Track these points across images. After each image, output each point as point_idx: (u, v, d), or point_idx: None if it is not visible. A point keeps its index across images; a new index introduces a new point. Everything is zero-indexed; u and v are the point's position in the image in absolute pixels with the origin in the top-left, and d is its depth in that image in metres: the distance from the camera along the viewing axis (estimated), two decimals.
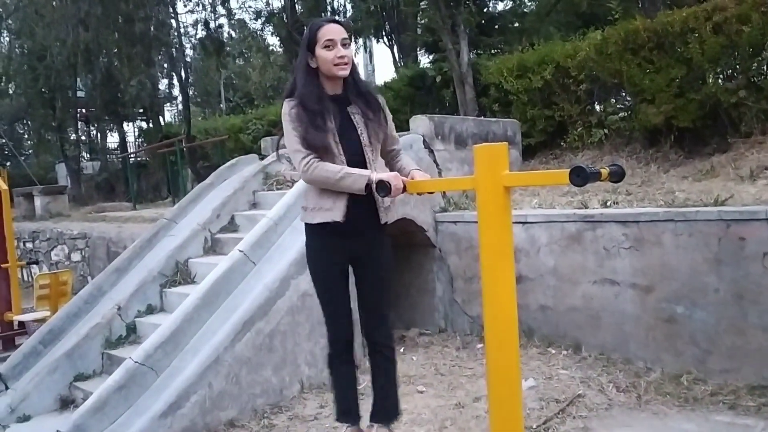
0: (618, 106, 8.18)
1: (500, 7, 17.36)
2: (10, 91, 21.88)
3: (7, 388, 5.32)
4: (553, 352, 5.17)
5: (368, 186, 2.68)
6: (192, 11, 21.88)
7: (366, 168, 2.79)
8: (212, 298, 4.98)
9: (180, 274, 5.91)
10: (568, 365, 4.88)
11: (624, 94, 8.01)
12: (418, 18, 15.73)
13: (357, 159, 2.82)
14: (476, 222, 2.40)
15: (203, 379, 4.30)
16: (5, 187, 7.42)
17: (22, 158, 23.34)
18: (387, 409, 3.16)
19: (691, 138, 6.99)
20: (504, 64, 9.04)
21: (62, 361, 5.17)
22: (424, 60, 15.91)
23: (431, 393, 4.64)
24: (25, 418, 4.88)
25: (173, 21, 15.70)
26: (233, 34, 17.52)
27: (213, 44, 15.18)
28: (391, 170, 2.93)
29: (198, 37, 16.32)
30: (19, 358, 5.53)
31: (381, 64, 56.10)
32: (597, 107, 8.28)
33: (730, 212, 4.32)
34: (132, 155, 19.62)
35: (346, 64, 2.78)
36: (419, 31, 16.12)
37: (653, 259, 4.65)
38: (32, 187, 14.32)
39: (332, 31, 2.75)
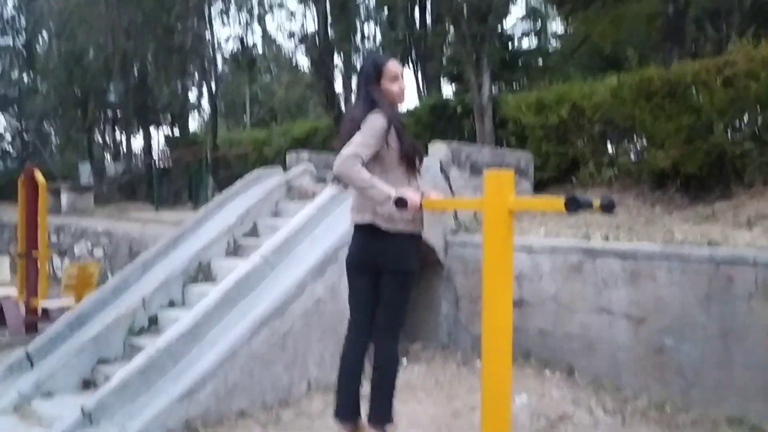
0: (629, 148, 8.51)
1: (525, 44, 17.84)
2: (41, 89, 22.54)
3: (32, 366, 5.69)
4: (548, 374, 5.44)
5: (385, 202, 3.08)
6: (224, 24, 22.66)
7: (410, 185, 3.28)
8: (232, 297, 5.34)
9: (202, 273, 6.28)
10: (561, 387, 5.15)
11: (635, 137, 8.34)
12: (444, 49, 16.21)
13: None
14: None
15: (220, 370, 4.63)
16: (43, 180, 7.87)
17: (47, 154, 24.01)
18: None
19: (696, 184, 7.30)
20: (523, 99, 9.44)
21: (88, 345, 5.52)
22: (447, 89, 16.38)
23: (430, 401, 4.93)
24: (50, 395, 5.21)
25: (208, 34, 16.31)
26: (265, 52, 18.11)
27: (245, 60, 15.73)
28: None
29: (231, 52, 16.90)
30: (45, 340, 5.90)
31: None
32: (609, 148, 8.61)
33: (721, 254, 4.63)
34: (157, 160, 20.13)
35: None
36: (444, 61, 16.60)
37: (647, 293, 4.95)
38: (60, 183, 14.85)
39: (396, 67, 3.33)
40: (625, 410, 4.68)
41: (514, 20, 19.11)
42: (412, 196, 3.02)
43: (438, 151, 6.77)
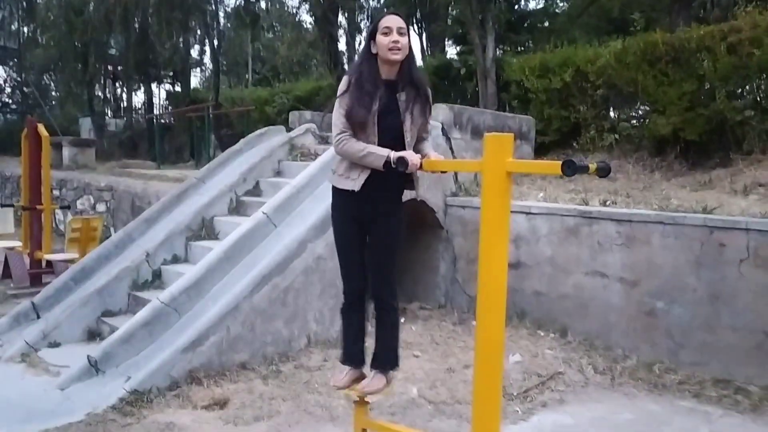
0: (631, 114, 8.52)
1: (532, 5, 17.59)
2: (41, 41, 22.23)
3: (38, 317, 5.83)
4: (542, 334, 5.59)
5: (386, 164, 3.10)
6: None
7: (404, 150, 3.16)
8: (235, 253, 5.44)
9: (205, 229, 6.39)
10: (554, 347, 5.30)
11: (637, 103, 8.34)
12: (450, 9, 16.02)
13: (395, 141, 3.18)
14: None
15: (222, 322, 4.76)
16: (46, 134, 7.90)
17: (47, 108, 23.86)
18: (384, 358, 3.56)
19: (696, 150, 7.35)
20: (527, 62, 9.39)
21: (93, 297, 5.66)
22: (452, 51, 16.22)
23: (426, 358, 5.07)
24: (56, 345, 5.37)
25: None
26: (269, 8, 17.86)
27: (249, 15, 15.53)
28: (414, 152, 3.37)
29: (234, 6, 16.67)
30: (51, 291, 6.03)
31: None
32: (611, 113, 8.62)
33: (715, 220, 4.72)
34: (158, 116, 20.06)
35: (399, 49, 3.14)
36: (449, 22, 16.41)
37: (641, 257, 5.05)
38: (62, 138, 14.84)
39: (390, 20, 3.17)
40: (615, 370, 4.83)
41: None
42: (411, 156, 3.07)
43: (440, 113, 6.80)
